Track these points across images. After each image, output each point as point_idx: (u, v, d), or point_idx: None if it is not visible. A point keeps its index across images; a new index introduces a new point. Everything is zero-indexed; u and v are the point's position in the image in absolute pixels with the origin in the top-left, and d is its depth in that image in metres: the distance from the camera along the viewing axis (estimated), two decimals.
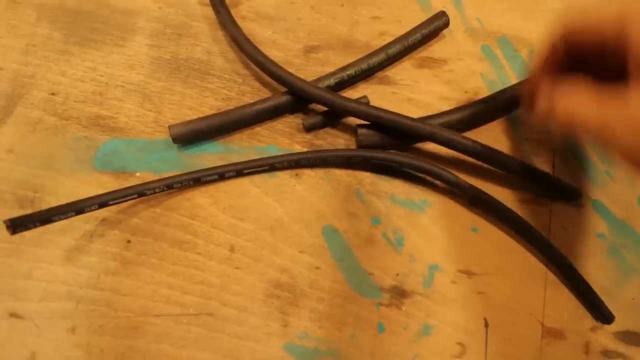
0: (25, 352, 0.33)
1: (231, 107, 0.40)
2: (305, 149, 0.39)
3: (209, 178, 0.36)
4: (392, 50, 0.40)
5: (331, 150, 0.38)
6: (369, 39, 0.43)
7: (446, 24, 0.42)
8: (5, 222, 0.30)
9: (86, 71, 0.41)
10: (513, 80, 0.42)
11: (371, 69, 0.40)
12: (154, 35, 0.43)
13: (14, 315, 0.34)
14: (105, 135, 0.39)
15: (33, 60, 0.41)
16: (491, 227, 0.38)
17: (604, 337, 0.36)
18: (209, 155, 0.39)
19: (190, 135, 0.38)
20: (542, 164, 0.39)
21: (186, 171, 0.36)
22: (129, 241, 0.36)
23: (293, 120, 0.40)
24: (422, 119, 0.39)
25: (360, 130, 0.38)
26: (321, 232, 0.37)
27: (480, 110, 0.39)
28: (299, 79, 0.38)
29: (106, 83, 0.41)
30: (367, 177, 0.39)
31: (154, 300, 0.35)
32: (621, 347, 0.35)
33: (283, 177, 0.38)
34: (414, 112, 0.40)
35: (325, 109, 0.39)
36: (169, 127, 0.37)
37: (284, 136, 0.40)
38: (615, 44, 0.26)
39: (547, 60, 0.30)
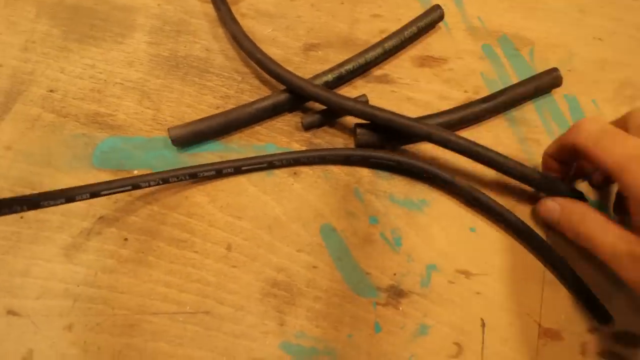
0: (22, 350, 0.33)
1: (230, 105, 0.39)
2: (303, 148, 0.39)
3: (206, 174, 0.36)
4: (389, 44, 0.40)
5: (329, 149, 0.38)
6: (369, 37, 0.42)
7: (441, 17, 0.41)
8: None
9: (85, 68, 0.41)
10: (513, 79, 0.42)
11: (368, 63, 0.39)
12: (153, 32, 0.42)
13: (11, 312, 0.33)
14: (103, 132, 0.38)
15: (32, 57, 0.41)
16: (489, 228, 0.37)
17: (601, 338, 0.35)
18: (208, 154, 0.38)
19: (190, 137, 0.37)
20: (540, 165, 0.39)
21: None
22: (126, 239, 0.35)
23: (292, 119, 0.40)
24: (421, 118, 0.38)
25: (359, 130, 0.37)
26: (319, 231, 0.36)
27: (480, 109, 0.39)
28: (297, 76, 0.37)
29: (105, 80, 0.40)
30: (365, 176, 0.38)
31: (150, 298, 0.34)
32: (618, 348, 0.35)
33: (281, 176, 0.38)
34: (414, 111, 0.39)
35: (324, 107, 0.38)
36: (168, 129, 0.37)
37: (282, 135, 0.39)
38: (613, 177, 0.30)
39: (556, 153, 0.35)
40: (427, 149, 0.39)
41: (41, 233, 0.35)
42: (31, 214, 0.35)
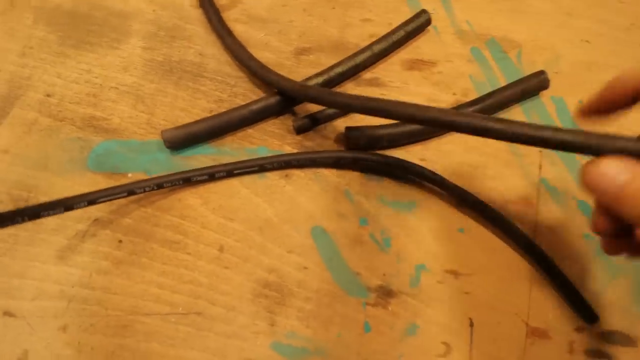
0: (17, 350, 0.32)
1: (223, 109, 0.39)
2: (295, 150, 0.38)
3: (199, 178, 0.36)
4: (378, 47, 0.40)
5: (320, 152, 0.37)
6: (360, 41, 0.42)
7: (428, 21, 0.41)
8: None
9: (81, 73, 0.40)
10: (501, 82, 0.41)
11: (358, 66, 0.39)
12: (148, 38, 0.42)
13: (7, 313, 0.33)
14: (98, 136, 0.38)
15: (29, 62, 0.41)
16: (478, 228, 0.37)
17: (589, 337, 0.35)
18: (201, 157, 0.38)
19: (183, 140, 0.37)
20: (529, 165, 0.38)
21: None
22: (120, 241, 0.35)
23: (284, 122, 0.39)
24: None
25: (349, 132, 0.37)
26: (310, 233, 0.36)
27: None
28: (285, 78, 0.36)
29: (100, 85, 0.40)
30: (356, 178, 0.38)
31: (144, 299, 0.34)
32: (605, 347, 0.34)
33: (273, 178, 0.37)
34: None
35: (315, 111, 0.38)
36: (161, 132, 0.36)
37: (274, 138, 0.39)
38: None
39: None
40: (417, 150, 0.39)
41: (37, 235, 0.35)
42: None
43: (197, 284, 0.34)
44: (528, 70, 0.41)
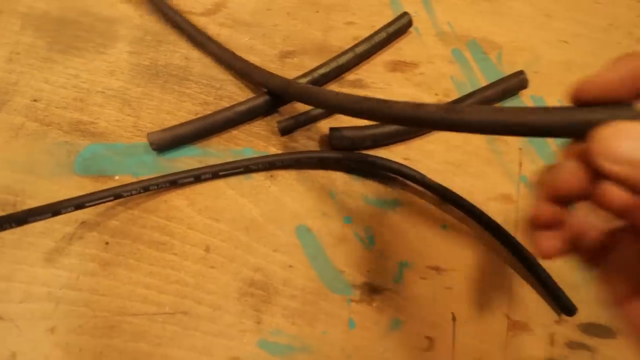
0: (5, 353, 0.32)
1: (209, 112, 0.39)
2: (280, 151, 0.38)
3: (185, 180, 0.36)
4: (360, 49, 0.40)
5: (304, 152, 0.37)
6: (343, 44, 0.42)
7: (410, 23, 0.41)
8: None
9: (68, 78, 0.40)
10: (482, 82, 0.41)
11: (341, 67, 0.39)
12: (135, 42, 0.42)
13: None
14: (85, 140, 0.38)
15: (17, 67, 0.40)
16: (459, 225, 0.37)
17: (569, 329, 0.35)
18: (187, 159, 0.38)
19: (169, 142, 0.37)
20: (509, 163, 0.39)
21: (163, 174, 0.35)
22: (107, 243, 0.35)
23: (269, 124, 0.39)
24: None
25: (333, 133, 0.37)
26: (295, 232, 0.36)
27: None
28: (268, 72, 0.36)
29: (87, 89, 0.40)
30: (339, 177, 0.38)
31: (131, 300, 0.34)
32: (585, 339, 0.35)
33: (258, 179, 0.38)
34: None
35: (300, 112, 0.38)
36: (147, 134, 0.36)
37: (259, 139, 0.39)
38: None
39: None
40: (400, 150, 0.39)
41: (24, 238, 0.35)
42: None
43: (184, 284, 0.34)
44: (508, 71, 0.41)
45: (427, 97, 0.41)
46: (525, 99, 0.41)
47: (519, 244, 0.35)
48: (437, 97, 0.41)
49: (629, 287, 0.21)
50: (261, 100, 0.38)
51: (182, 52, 0.42)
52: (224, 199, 0.37)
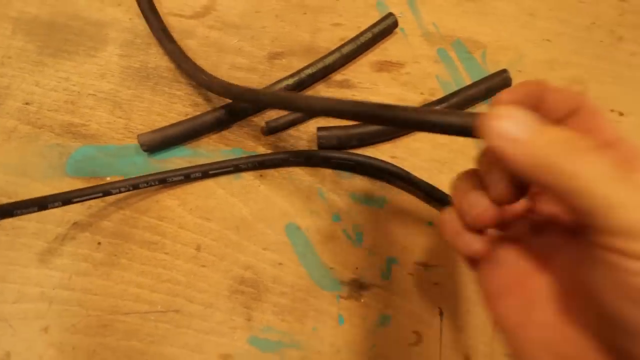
0: None
1: (199, 113, 0.39)
2: (269, 151, 0.39)
3: (174, 179, 0.36)
4: (346, 49, 0.40)
5: (293, 152, 0.38)
6: (330, 45, 0.42)
7: (395, 24, 0.42)
8: None
9: (59, 81, 0.40)
10: (467, 81, 0.42)
11: (327, 67, 0.40)
12: (125, 45, 0.42)
13: None
14: (77, 142, 0.38)
15: (8, 71, 0.41)
16: None
17: None
18: (177, 160, 0.38)
19: (159, 143, 0.37)
20: None
21: None
22: (99, 243, 0.35)
23: (258, 124, 0.40)
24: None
25: (320, 132, 0.37)
26: (284, 230, 0.36)
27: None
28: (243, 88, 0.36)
29: (78, 92, 0.40)
30: (328, 176, 0.38)
31: (123, 299, 0.34)
32: None
33: (248, 178, 0.38)
34: None
35: (286, 113, 0.39)
36: (138, 136, 0.37)
37: (248, 139, 0.39)
38: None
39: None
40: (387, 148, 0.39)
41: (17, 240, 0.35)
42: (7, 222, 0.35)
43: (175, 283, 0.35)
44: (493, 70, 0.41)
45: (413, 96, 0.41)
46: None
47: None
48: (423, 96, 0.41)
49: (499, 287, 0.23)
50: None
51: None
52: (215, 199, 0.37)
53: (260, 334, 0.34)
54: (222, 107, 0.38)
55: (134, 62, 0.41)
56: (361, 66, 0.42)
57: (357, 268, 0.36)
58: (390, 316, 0.35)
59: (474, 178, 0.23)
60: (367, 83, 0.41)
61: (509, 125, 0.19)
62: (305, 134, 0.39)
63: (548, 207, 0.24)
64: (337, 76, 0.42)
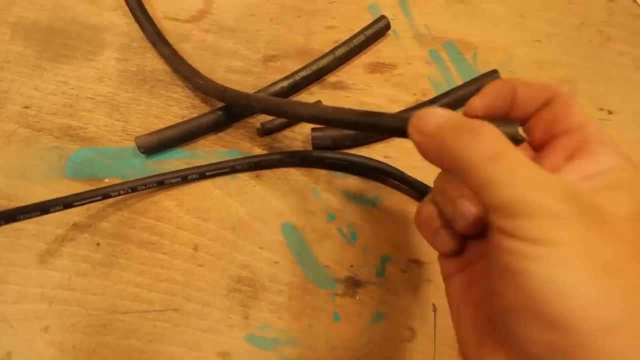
0: (0, 352, 0.32)
1: (195, 115, 0.39)
2: (264, 152, 0.39)
3: (172, 180, 0.36)
4: (339, 51, 0.40)
5: (288, 152, 0.38)
6: (324, 47, 0.43)
7: (387, 26, 0.42)
8: None
9: (58, 85, 0.41)
10: (458, 81, 0.42)
11: (321, 69, 0.40)
12: (122, 49, 0.42)
13: None
14: (75, 144, 0.38)
15: (7, 76, 0.41)
16: None
17: None
18: (175, 161, 0.38)
19: (156, 145, 0.38)
20: None
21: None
22: (98, 244, 0.35)
23: (253, 125, 0.40)
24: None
25: (314, 133, 0.38)
26: (280, 229, 0.37)
27: None
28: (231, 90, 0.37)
29: (76, 95, 0.40)
30: (322, 176, 0.38)
31: (122, 298, 0.34)
32: None
33: (244, 179, 0.38)
34: None
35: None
36: (135, 138, 0.37)
37: (244, 140, 0.39)
38: None
39: None
40: (380, 148, 0.39)
41: (17, 241, 0.35)
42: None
43: (174, 282, 0.35)
44: (483, 70, 0.42)
45: (405, 97, 0.41)
46: None
47: None
48: (416, 97, 0.41)
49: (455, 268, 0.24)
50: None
51: None
52: (211, 199, 0.37)
53: (257, 331, 0.34)
54: (218, 109, 0.39)
55: (131, 65, 0.42)
56: (354, 68, 0.42)
57: (351, 266, 0.36)
58: (385, 313, 0.35)
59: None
60: (360, 84, 0.42)
61: (423, 122, 0.20)
62: (300, 135, 0.40)
63: None
64: (331, 78, 0.42)
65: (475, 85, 0.40)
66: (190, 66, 0.39)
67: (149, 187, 0.36)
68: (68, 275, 0.35)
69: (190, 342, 0.33)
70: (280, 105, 0.33)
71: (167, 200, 0.37)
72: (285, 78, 0.39)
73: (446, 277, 0.25)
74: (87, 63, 0.42)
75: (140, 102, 0.40)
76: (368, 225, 0.37)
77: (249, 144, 0.39)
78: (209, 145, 0.39)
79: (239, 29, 0.44)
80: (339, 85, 0.42)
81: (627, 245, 0.17)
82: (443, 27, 0.44)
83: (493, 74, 0.40)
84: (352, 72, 0.42)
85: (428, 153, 0.21)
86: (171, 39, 0.42)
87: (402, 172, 0.37)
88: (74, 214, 0.36)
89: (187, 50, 0.42)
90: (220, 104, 0.39)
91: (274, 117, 0.39)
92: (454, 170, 0.19)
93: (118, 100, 0.40)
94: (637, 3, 0.47)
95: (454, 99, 0.39)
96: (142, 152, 0.37)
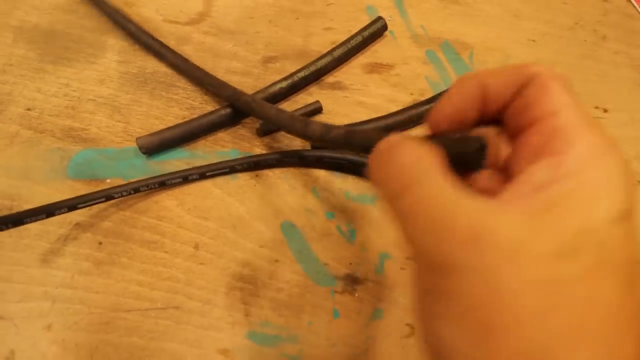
0: (4, 351, 0.33)
1: (195, 116, 0.39)
2: (264, 152, 0.39)
3: (173, 181, 0.36)
4: (337, 52, 0.41)
5: (287, 152, 0.38)
6: (322, 49, 0.43)
7: (384, 27, 0.42)
8: None
9: (60, 87, 0.41)
10: None
11: (319, 70, 0.40)
12: (123, 52, 0.43)
13: None
14: (77, 145, 0.39)
15: (10, 78, 0.41)
16: None
17: None
18: (175, 161, 0.39)
19: (157, 146, 0.38)
20: None
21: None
22: (100, 243, 0.36)
23: (253, 126, 0.40)
24: (371, 120, 0.39)
25: None
26: (280, 228, 0.37)
27: (425, 110, 0.39)
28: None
29: (78, 97, 0.40)
30: (322, 175, 0.39)
31: (124, 296, 0.34)
32: None
33: (244, 179, 0.38)
34: (364, 114, 0.40)
35: None
36: (136, 139, 0.37)
37: (244, 140, 0.40)
38: None
39: None
40: None
41: (21, 241, 0.35)
42: None
43: (175, 280, 0.35)
44: None
45: (403, 97, 0.42)
46: None
47: None
48: (413, 97, 0.42)
49: None
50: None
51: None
52: (212, 199, 0.37)
53: (258, 328, 0.34)
54: (218, 109, 0.39)
55: (132, 67, 0.42)
56: (352, 68, 0.43)
57: (351, 263, 0.36)
58: (384, 309, 0.35)
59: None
60: (358, 84, 0.42)
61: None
62: None
63: None
64: (329, 78, 0.42)
65: None
66: (202, 70, 0.39)
67: (151, 188, 0.36)
68: (71, 274, 0.35)
69: (192, 339, 0.34)
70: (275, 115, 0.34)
71: (168, 200, 0.37)
72: (284, 79, 0.39)
73: None
74: (88, 65, 0.42)
75: (141, 103, 0.40)
76: (367, 223, 0.37)
77: (249, 144, 0.39)
78: (209, 146, 0.39)
79: (239, 31, 0.44)
80: (337, 86, 0.42)
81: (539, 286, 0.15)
82: (439, 28, 0.45)
83: None
84: (350, 73, 0.43)
85: (370, 178, 0.20)
86: (171, 42, 0.42)
87: None
88: (77, 214, 0.36)
89: (188, 52, 0.43)
90: (220, 106, 0.39)
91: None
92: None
93: (119, 102, 0.40)
94: (631, 2, 0.47)
95: None
96: (143, 153, 0.37)
